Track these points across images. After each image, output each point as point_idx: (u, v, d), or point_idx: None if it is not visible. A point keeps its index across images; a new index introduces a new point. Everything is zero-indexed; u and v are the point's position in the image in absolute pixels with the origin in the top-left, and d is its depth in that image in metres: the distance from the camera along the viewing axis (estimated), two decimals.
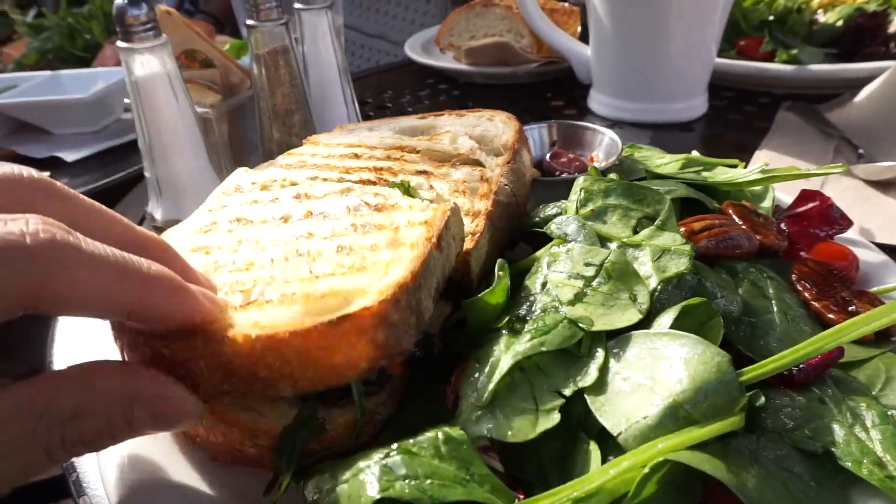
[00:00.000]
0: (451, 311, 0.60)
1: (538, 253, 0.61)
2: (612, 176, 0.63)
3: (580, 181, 0.58)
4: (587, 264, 0.50)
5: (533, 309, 0.50)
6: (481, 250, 0.62)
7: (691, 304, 0.47)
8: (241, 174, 0.73)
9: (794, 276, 0.59)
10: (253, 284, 0.51)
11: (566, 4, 1.62)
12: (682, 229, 0.60)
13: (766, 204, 0.74)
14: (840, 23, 1.42)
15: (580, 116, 1.36)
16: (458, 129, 0.82)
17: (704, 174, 0.83)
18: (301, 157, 0.78)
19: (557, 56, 1.44)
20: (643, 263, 0.50)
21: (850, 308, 0.55)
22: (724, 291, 0.53)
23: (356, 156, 0.76)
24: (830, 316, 0.54)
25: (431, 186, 0.69)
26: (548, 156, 0.91)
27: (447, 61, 1.59)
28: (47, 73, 1.57)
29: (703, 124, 1.31)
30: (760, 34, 1.42)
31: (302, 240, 0.57)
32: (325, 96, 1.14)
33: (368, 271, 0.47)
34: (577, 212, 0.55)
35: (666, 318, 0.46)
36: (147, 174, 0.98)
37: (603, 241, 0.53)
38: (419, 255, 0.48)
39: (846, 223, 0.67)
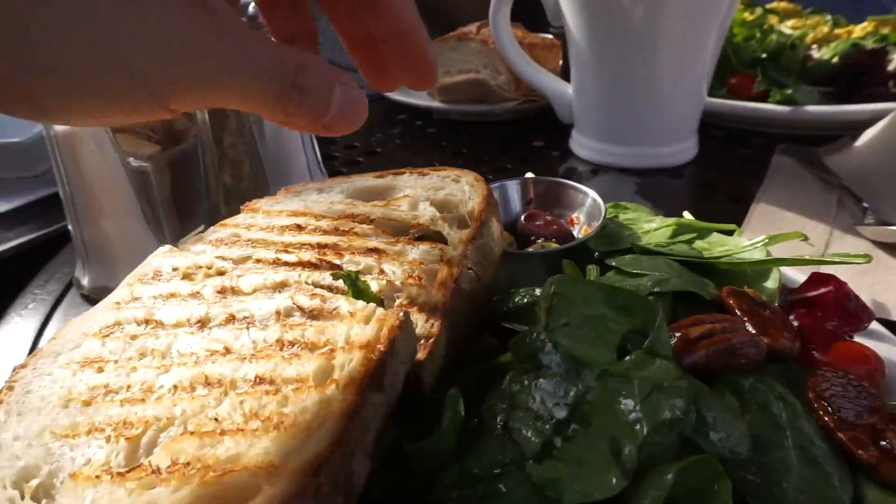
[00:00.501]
0: (395, 436, 0.49)
1: (504, 360, 0.51)
2: (592, 274, 0.53)
3: (553, 283, 0.48)
4: (558, 403, 0.40)
5: (492, 461, 0.39)
6: (437, 357, 0.52)
7: (692, 462, 0.37)
8: (162, 255, 0.63)
9: (810, 395, 0.49)
10: (143, 429, 0.41)
11: (547, 36, 1.52)
12: (677, 335, 0.50)
13: (771, 285, 0.64)
14: (835, 59, 1.34)
15: (562, 159, 1.26)
16: (418, 192, 0.72)
17: (699, 243, 0.74)
18: (236, 229, 0.68)
19: (537, 94, 1.35)
20: (629, 402, 0.40)
21: (883, 443, 0.45)
22: (728, 427, 0.43)
23: (299, 227, 0.66)
24: (860, 452, 0.44)
25: (382, 271, 0.59)
26: (522, 217, 0.82)
27: (421, 98, 1.49)
28: None
29: (694, 168, 1.21)
30: (752, 71, 1.33)
31: (217, 357, 0.46)
32: (281, 141, 1.03)
33: (286, 435, 0.36)
34: (547, 325, 0.45)
35: (656, 493, 0.35)
36: (72, 233, 0.87)
37: (579, 366, 0.42)
38: (352, 406, 0.37)
39: (867, 317, 0.58)
